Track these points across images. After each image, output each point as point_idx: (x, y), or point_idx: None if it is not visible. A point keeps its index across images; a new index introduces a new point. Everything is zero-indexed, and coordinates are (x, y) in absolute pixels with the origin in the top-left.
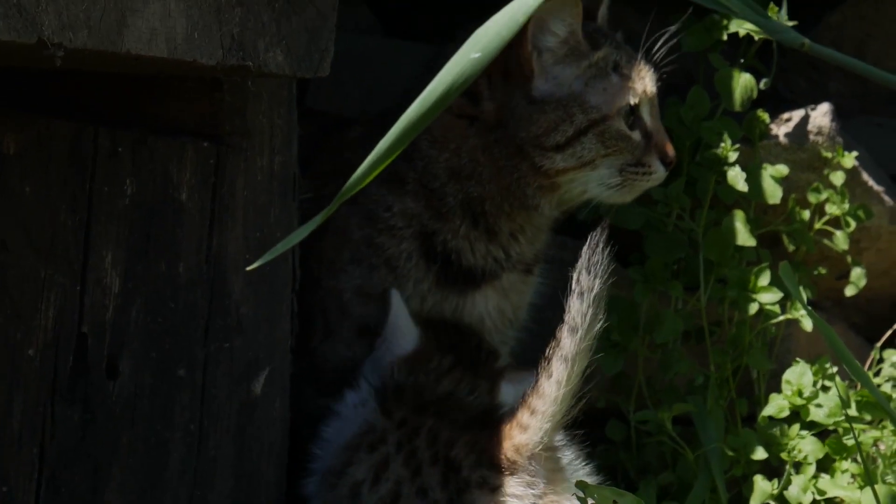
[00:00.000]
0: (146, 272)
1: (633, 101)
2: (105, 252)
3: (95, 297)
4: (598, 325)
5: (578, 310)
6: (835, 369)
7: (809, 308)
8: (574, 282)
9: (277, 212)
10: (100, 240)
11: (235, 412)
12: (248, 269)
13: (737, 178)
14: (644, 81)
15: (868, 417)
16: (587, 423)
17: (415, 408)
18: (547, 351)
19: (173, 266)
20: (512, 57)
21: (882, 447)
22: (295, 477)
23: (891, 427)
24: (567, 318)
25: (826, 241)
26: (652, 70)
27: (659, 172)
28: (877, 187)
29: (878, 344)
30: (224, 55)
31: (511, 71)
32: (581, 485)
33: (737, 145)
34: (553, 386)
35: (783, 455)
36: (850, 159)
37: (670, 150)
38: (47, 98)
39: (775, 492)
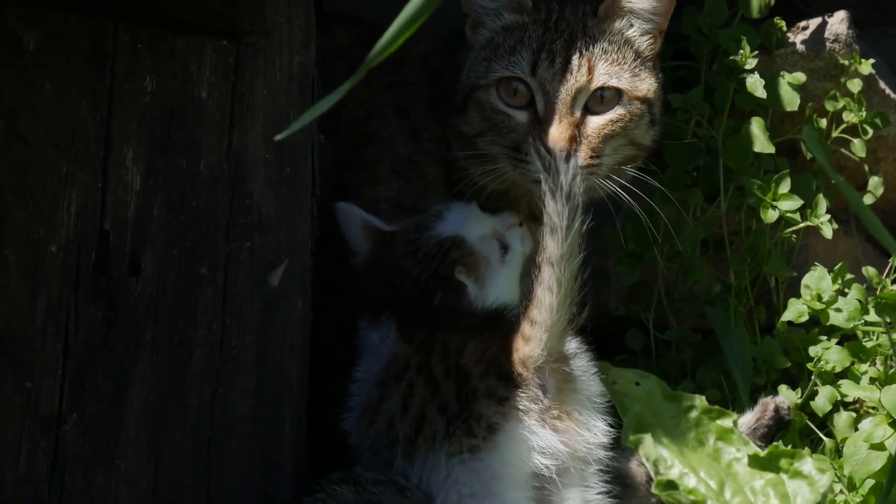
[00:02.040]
0: (167, 169)
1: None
2: (126, 149)
3: (117, 193)
4: (579, 223)
5: (554, 209)
6: (852, 276)
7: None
8: (543, 183)
9: (296, 112)
10: (120, 137)
11: (257, 311)
12: (276, 138)
13: (755, 84)
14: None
15: (888, 320)
16: (607, 331)
17: (430, 326)
18: (537, 258)
19: (194, 164)
20: None
21: None
22: (321, 385)
23: None
24: (546, 220)
25: (843, 150)
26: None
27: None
28: (894, 95)
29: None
30: None
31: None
32: (603, 367)
33: (755, 52)
34: (546, 293)
35: (809, 366)
36: (866, 66)
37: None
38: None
39: (800, 401)
